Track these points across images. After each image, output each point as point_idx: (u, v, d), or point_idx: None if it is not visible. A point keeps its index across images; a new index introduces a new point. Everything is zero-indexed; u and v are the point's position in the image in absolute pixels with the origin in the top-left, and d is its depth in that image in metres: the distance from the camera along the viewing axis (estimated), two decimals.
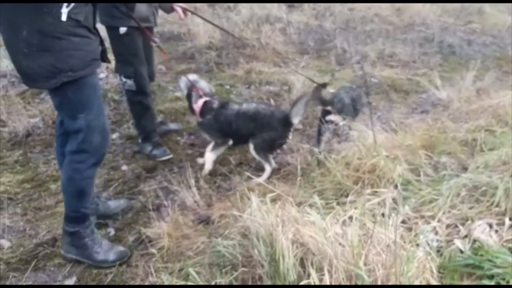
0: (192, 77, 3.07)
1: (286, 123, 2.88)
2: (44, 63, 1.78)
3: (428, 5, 7.31)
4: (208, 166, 2.98)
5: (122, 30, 2.71)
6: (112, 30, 2.77)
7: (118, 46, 2.85)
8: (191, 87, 2.97)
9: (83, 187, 2.10)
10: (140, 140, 3.28)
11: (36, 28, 1.72)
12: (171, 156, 3.22)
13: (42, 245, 2.34)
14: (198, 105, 2.94)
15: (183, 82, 3.06)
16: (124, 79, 2.94)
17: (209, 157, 2.97)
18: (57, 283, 2.13)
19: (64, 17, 1.73)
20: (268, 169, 2.91)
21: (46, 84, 1.84)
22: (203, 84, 3.06)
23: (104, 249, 2.22)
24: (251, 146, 2.90)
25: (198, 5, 6.58)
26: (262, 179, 2.85)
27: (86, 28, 1.86)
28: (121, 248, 2.28)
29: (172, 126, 3.64)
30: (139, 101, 3.06)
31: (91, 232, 2.22)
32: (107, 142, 2.15)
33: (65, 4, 1.72)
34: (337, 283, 1.57)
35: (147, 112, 3.17)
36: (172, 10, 2.81)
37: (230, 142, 2.99)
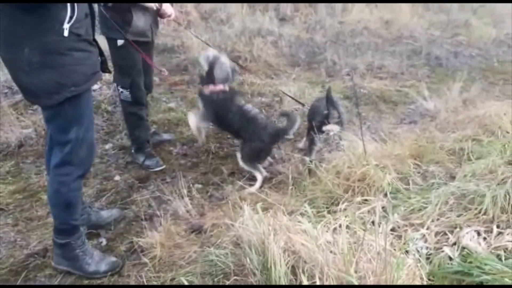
0: (214, 53, 3.08)
1: (275, 138, 2.97)
2: (47, 80, 1.76)
3: (415, 18, 7.48)
4: (193, 128, 3.12)
5: (120, 42, 2.74)
6: (111, 41, 2.80)
7: (116, 57, 2.87)
8: (212, 63, 2.98)
9: (71, 199, 2.07)
10: (133, 150, 3.29)
11: (38, 45, 1.70)
12: (163, 167, 3.23)
13: (33, 255, 2.32)
14: (210, 89, 2.98)
15: (204, 58, 3.06)
16: (120, 89, 2.95)
17: (191, 120, 3.11)
18: None
19: (66, 33, 1.72)
20: (259, 178, 2.94)
21: (49, 101, 1.82)
22: (224, 62, 3.03)
23: (96, 260, 2.21)
24: (238, 157, 2.97)
25: (192, 17, 6.65)
26: (254, 188, 2.87)
27: (86, 42, 1.86)
28: (112, 258, 2.27)
29: (165, 136, 3.65)
30: (133, 112, 3.07)
31: (82, 243, 2.20)
32: (93, 155, 2.13)
33: (66, 20, 1.72)
34: None
35: (141, 123, 3.18)
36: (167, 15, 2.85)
37: (210, 125, 3.20)
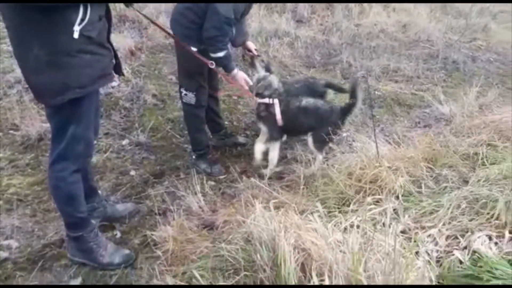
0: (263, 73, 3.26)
1: (343, 116, 3.23)
2: (54, 80, 1.77)
3: (433, 22, 7.39)
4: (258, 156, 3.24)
5: (193, 49, 2.80)
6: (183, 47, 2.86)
7: (187, 62, 2.95)
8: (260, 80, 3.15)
9: (72, 193, 2.10)
10: (194, 157, 3.32)
11: (48, 46, 1.71)
12: (226, 174, 3.27)
13: (49, 245, 2.39)
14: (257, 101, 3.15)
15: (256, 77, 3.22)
16: (184, 91, 3.04)
17: (260, 149, 3.22)
18: (63, 283, 2.18)
19: (76, 35, 1.72)
20: (320, 158, 3.15)
21: (53, 100, 1.83)
22: (271, 79, 3.18)
23: (110, 252, 2.27)
24: (310, 142, 3.16)
25: None
26: (315, 168, 3.04)
27: (98, 44, 1.86)
28: (126, 251, 2.33)
29: (241, 139, 3.75)
30: (197, 114, 3.15)
31: (95, 235, 2.26)
32: (89, 152, 2.14)
33: (77, 22, 1.72)
34: None
35: (203, 126, 3.27)
36: None
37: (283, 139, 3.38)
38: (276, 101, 3.08)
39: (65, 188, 2.07)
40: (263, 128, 3.18)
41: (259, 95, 3.09)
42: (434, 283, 1.81)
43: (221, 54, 2.83)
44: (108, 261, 2.25)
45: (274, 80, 3.17)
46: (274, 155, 3.19)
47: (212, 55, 2.85)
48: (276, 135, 3.16)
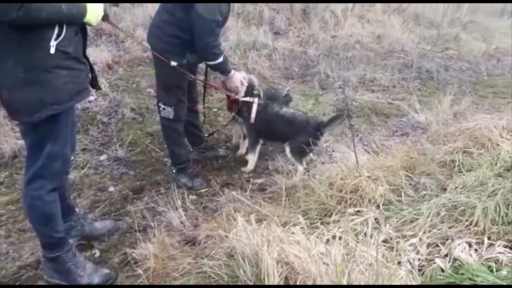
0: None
1: (318, 130, 3.26)
2: (30, 97, 1.71)
3: (406, 33, 7.60)
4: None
5: (173, 63, 2.76)
6: (163, 62, 2.79)
7: (166, 76, 2.90)
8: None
9: (48, 212, 2.02)
10: (174, 171, 3.25)
11: (24, 62, 1.66)
12: (207, 188, 3.22)
13: (25, 267, 2.30)
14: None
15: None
16: (162, 106, 2.97)
17: (253, 160, 3.47)
18: None
19: (52, 50, 1.69)
20: (300, 169, 3.21)
21: (29, 118, 1.76)
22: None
23: (88, 272, 2.19)
24: (287, 150, 3.26)
25: None
26: (298, 177, 3.10)
27: (75, 59, 1.82)
28: (105, 270, 2.26)
29: (222, 152, 3.72)
30: (175, 128, 3.09)
31: (73, 255, 2.17)
32: (66, 169, 2.09)
33: (53, 37, 1.68)
34: None
35: (182, 140, 3.22)
36: None
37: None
38: (255, 99, 3.22)
39: (42, 207, 1.99)
40: (244, 129, 3.34)
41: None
42: None
43: (220, 59, 2.83)
44: (87, 282, 2.17)
45: (255, 80, 3.32)
46: (252, 158, 3.40)
47: (211, 63, 2.86)
48: (253, 137, 3.35)
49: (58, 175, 2.01)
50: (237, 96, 3.21)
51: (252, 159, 3.40)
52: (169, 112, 2.97)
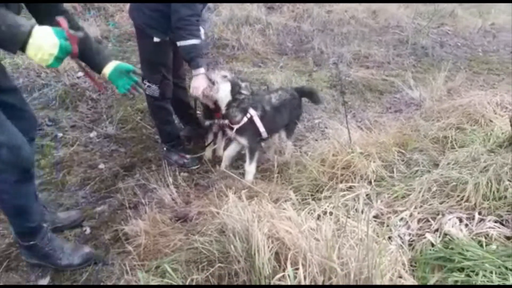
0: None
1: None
2: None
3: (402, 8, 7.49)
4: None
5: (156, 39, 2.68)
6: (146, 37, 2.72)
7: (149, 53, 2.82)
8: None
9: (18, 204, 1.95)
10: (165, 148, 3.20)
11: None
12: (198, 165, 3.17)
13: (14, 245, 2.28)
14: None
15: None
16: (147, 83, 2.88)
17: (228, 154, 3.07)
18: (30, 283, 2.10)
19: None
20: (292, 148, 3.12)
21: None
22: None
23: (67, 253, 2.15)
24: (283, 135, 3.11)
25: None
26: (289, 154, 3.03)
27: None
28: (86, 249, 2.22)
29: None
30: (161, 105, 3.01)
31: (48, 240, 2.12)
32: (22, 156, 1.88)
33: None
34: (311, 277, 1.60)
35: (170, 118, 3.13)
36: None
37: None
38: (252, 112, 2.77)
39: (10, 200, 1.92)
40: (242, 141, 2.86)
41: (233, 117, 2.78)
42: (407, 267, 1.83)
43: (193, 41, 2.56)
44: (67, 263, 2.14)
45: (238, 81, 2.85)
46: (252, 168, 2.87)
47: (182, 42, 2.58)
48: (253, 144, 2.86)
49: (15, 164, 1.84)
50: (234, 126, 2.77)
51: (252, 169, 2.86)
52: (154, 90, 2.89)
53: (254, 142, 2.84)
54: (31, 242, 2.06)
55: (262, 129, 2.79)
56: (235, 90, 2.75)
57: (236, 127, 2.76)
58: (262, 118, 2.79)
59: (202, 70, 2.66)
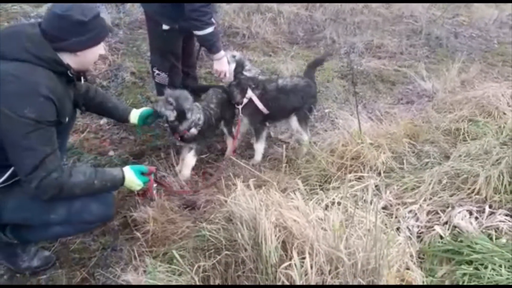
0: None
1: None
2: None
3: None
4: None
5: (165, 27, 2.69)
6: (156, 25, 2.73)
7: (159, 41, 2.83)
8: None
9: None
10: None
11: None
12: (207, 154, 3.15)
13: None
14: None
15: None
16: (157, 71, 2.90)
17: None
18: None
19: None
20: (306, 138, 3.02)
21: None
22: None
23: (30, 256, 2.15)
24: (294, 120, 3.01)
25: None
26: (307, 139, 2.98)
27: None
28: (45, 253, 2.21)
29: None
30: None
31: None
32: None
33: None
34: (318, 266, 1.60)
35: None
36: None
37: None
38: (250, 93, 2.84)
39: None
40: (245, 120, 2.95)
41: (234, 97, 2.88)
42: (414, 259, 1.82)
43: (210, 29, 2.61)
44: (27, 265, 2.14)
45: (242, 58, 2.95)
46: (260, 147, 3.00)
47: (199, 32, 2.62)
48: (259, 123, 2.95)
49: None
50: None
51: (260, 148, 2.98)
52: (163, 77, 2.91)
53: (257, 122, 2.94)
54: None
55: (261, 106, 2.85)
56: (237, 70, 2.85)
57: (239, 107, 2.88)
58: (262, 96, 2.85)
59: (223, 53, 2.76)
